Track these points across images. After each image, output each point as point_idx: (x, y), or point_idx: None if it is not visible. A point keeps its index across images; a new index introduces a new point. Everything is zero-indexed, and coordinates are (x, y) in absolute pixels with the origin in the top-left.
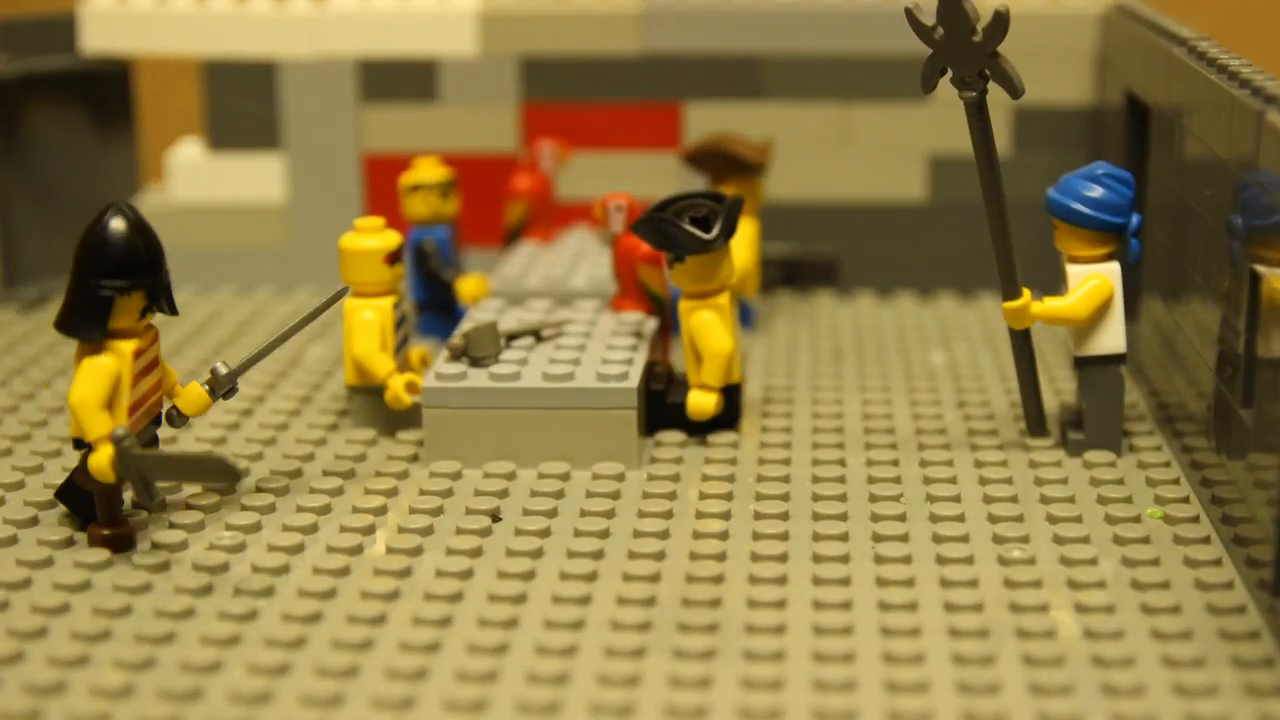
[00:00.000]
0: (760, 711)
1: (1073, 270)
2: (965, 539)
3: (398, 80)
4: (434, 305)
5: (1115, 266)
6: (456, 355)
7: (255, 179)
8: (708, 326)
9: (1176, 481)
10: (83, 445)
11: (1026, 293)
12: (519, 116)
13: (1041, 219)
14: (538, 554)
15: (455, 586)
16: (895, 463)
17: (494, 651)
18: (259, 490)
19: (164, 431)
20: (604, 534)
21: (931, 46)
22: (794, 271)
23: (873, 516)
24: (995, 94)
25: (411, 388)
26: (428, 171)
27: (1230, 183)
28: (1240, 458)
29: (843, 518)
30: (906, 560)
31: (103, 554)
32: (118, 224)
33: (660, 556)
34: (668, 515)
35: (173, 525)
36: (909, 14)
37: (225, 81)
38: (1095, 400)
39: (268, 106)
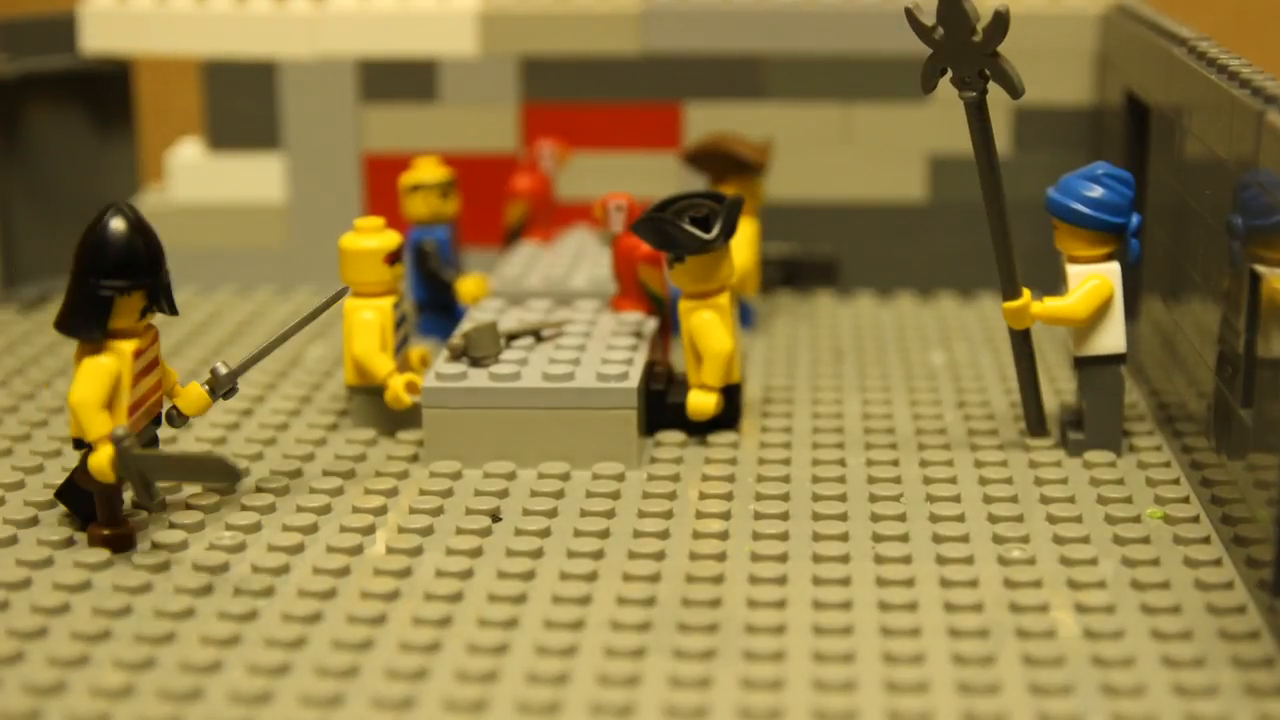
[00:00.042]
0: (760, 711)
1: (1073, 270)
2: (965, 539)
3: (398, 80)
4: (434, 305)
5: (1115, 266)
6: (456, 355)
7: (255, 179)
8: (708, 326)
9: (1176, 481)
10: (83, 445)
11: (1026, 293)
12: (519, 116)
13: (1041, 219)
14: (538, 554)
15: (455, 586)
16: (895, 463)
17: (494, 651)
18: (259, 490)
19: (164, 431)
20: (604, 534)
21: (931, 46)
22: (794, 271)
23: (873, 516)
24: (995, 94)
25: (411, 388)
26: (428, 171)
27: (1230, 183)
28: (1240, 458)
29: (843, 518)
30: (906, 560)
31: (103, 554)
32: (118, 224)
33: (660, 556)
34: (668, 515)
35: (173, 525)
36: (909, 14)
37: (225, 81)
38: (1095, 400)
39: (268, 106)
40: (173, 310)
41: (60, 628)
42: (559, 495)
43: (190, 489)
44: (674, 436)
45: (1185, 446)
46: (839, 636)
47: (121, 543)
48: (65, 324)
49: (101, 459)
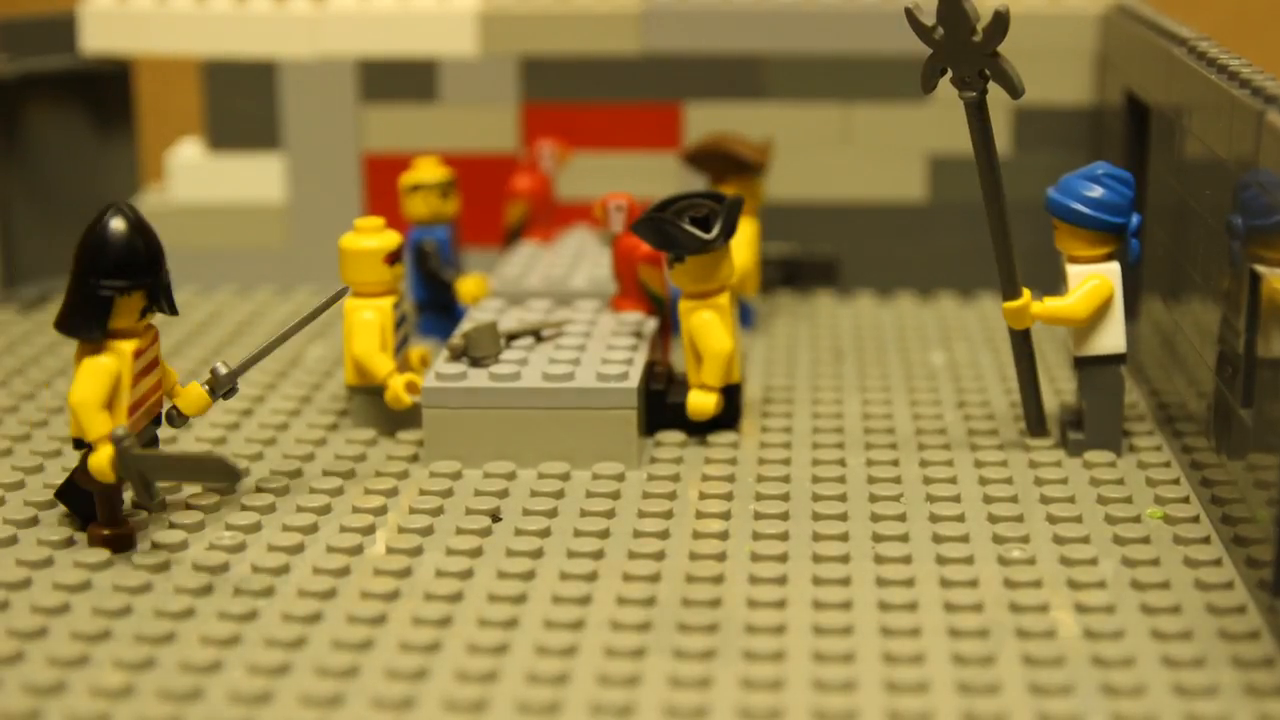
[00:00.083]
0: (760, 711)
1: (1073, 270)
2: (965, 539)
3: (398, 80)
4: (434, 305)
5: (1115, 266)
6: (456, 355)
7: (255, 179)
8: (708, 326)
9: (1176, 481)
10: (83, 445)
11: (1026, 293)
12: (519, 116)
13: (1041, 219)
14: (538, 554)
15: (455, 586)
16: (895, 463)
17: (494, 651)
18: (259, 490)
19: (164, 431)
20: (604, 534)
21: (931, 46)
22: (794, 271)
23: (873, 516)
24: (995, 94)
25: (411, 388)
26: (428, 171)
27: (1230, 183)
28: (1240, 458)
29: (843, 518)
30: (906, 560)
31: (103, 554)
32: (118, 224)
33: (660, 556)
34: (668, 515)
35: (173, 525)
36: (909, 14)
37: (225, 81)
38: (1095, 400)
39: (268, 106)
40: (173, 310)
41: (60, 628)
42: (559, 495)
43: (190, 489)
44: (674, 436)
45: (1185, 446)
46: (839, 636)
47: (121, 543)
48: (65, 324)
49: (101, 459)
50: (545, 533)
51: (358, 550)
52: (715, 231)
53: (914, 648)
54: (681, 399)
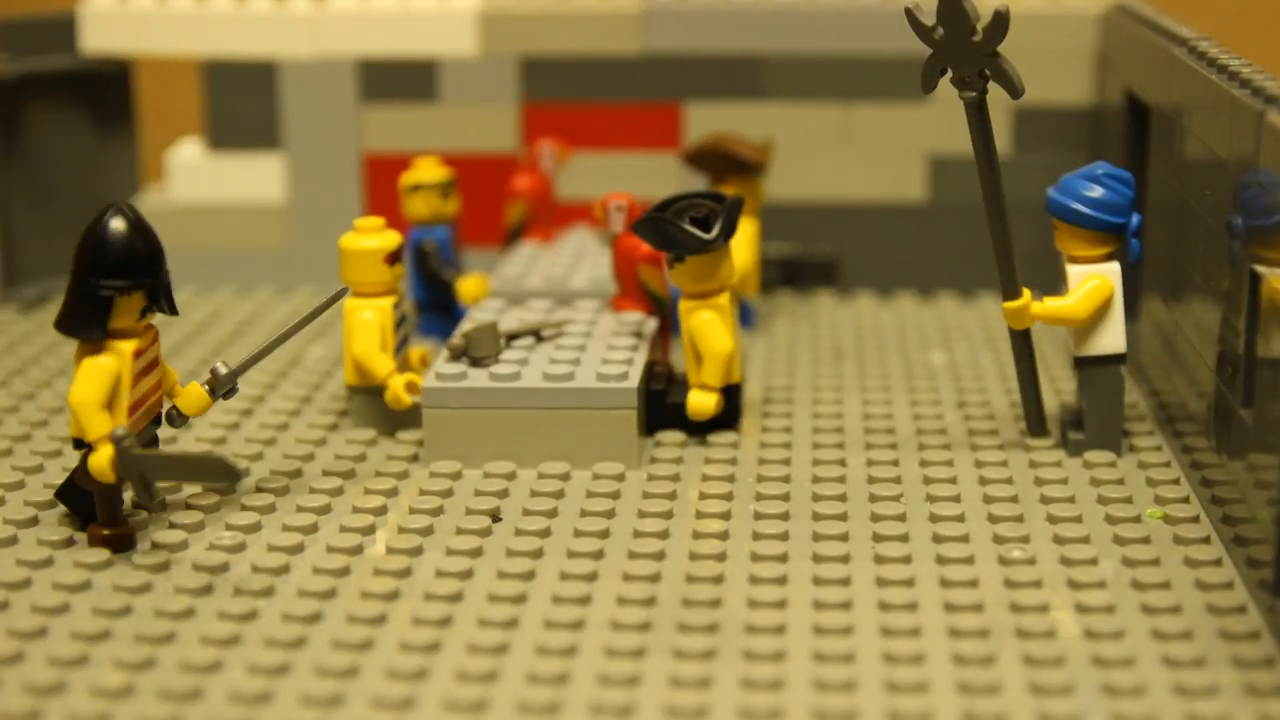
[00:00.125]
0: (760, 711)
1: (1073, 270)
2: (965, 539)
3: (398, 80)
4: (434, 305)
5: (1115, 266)
6: (456, 355)
7: (255, 179)
8: (708, 326)
9: (1176, 481)
10: (83, 445)
11: (1026, 293)
12: (519, 116)
13: (1041, 219)
14: (538, 554)
15: (455, 586)
16: (895, 463)
17: (494, 651)
18: (259, 490)
19: (164, 431)
20: (604, 534)
21: (931, 46)
22: (794, 271)
23: (873, 516)
24: (995, 94)
25: (411, 388)
26: (428, 171)
27: (1230, 183)
28: (1240, 458)
29: (843, 518)
30: (906, 560)
31: (103, 554)
32: (118, 224)
33: (660, 556)
34: (668, 515)
35: (173, 525)
36: (909, 14)
37: (225, 81)
38: (1095, 400)
39: (268, 106)
40: (173, 310)
41: (60, 628)
42: (559, 495)
43: (190, 489)
44: (674, 436)
45: (1185, 446)
46: (839, 636)
47: (121, 543)
48: (65, 324)
49: (101, 459)
50: (545, 533)
51: (358, 550)
52: (715, 231)
53: (914, 648)
54: (681, 399)
